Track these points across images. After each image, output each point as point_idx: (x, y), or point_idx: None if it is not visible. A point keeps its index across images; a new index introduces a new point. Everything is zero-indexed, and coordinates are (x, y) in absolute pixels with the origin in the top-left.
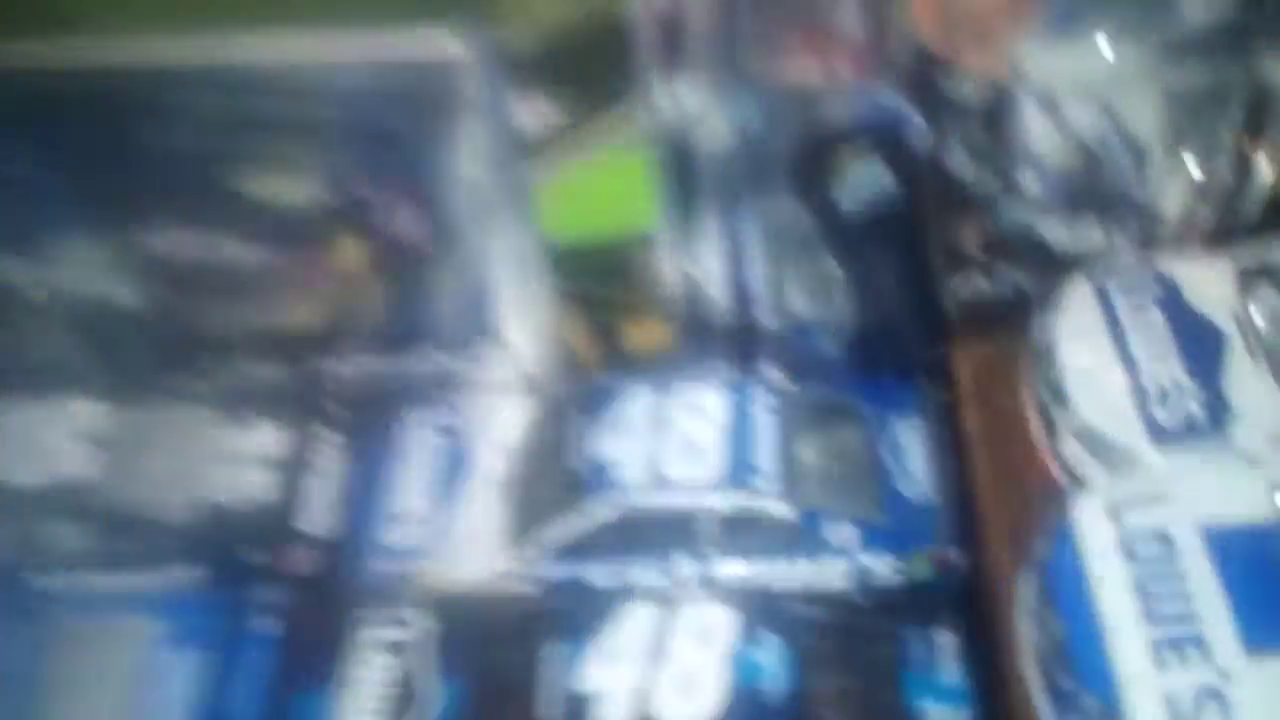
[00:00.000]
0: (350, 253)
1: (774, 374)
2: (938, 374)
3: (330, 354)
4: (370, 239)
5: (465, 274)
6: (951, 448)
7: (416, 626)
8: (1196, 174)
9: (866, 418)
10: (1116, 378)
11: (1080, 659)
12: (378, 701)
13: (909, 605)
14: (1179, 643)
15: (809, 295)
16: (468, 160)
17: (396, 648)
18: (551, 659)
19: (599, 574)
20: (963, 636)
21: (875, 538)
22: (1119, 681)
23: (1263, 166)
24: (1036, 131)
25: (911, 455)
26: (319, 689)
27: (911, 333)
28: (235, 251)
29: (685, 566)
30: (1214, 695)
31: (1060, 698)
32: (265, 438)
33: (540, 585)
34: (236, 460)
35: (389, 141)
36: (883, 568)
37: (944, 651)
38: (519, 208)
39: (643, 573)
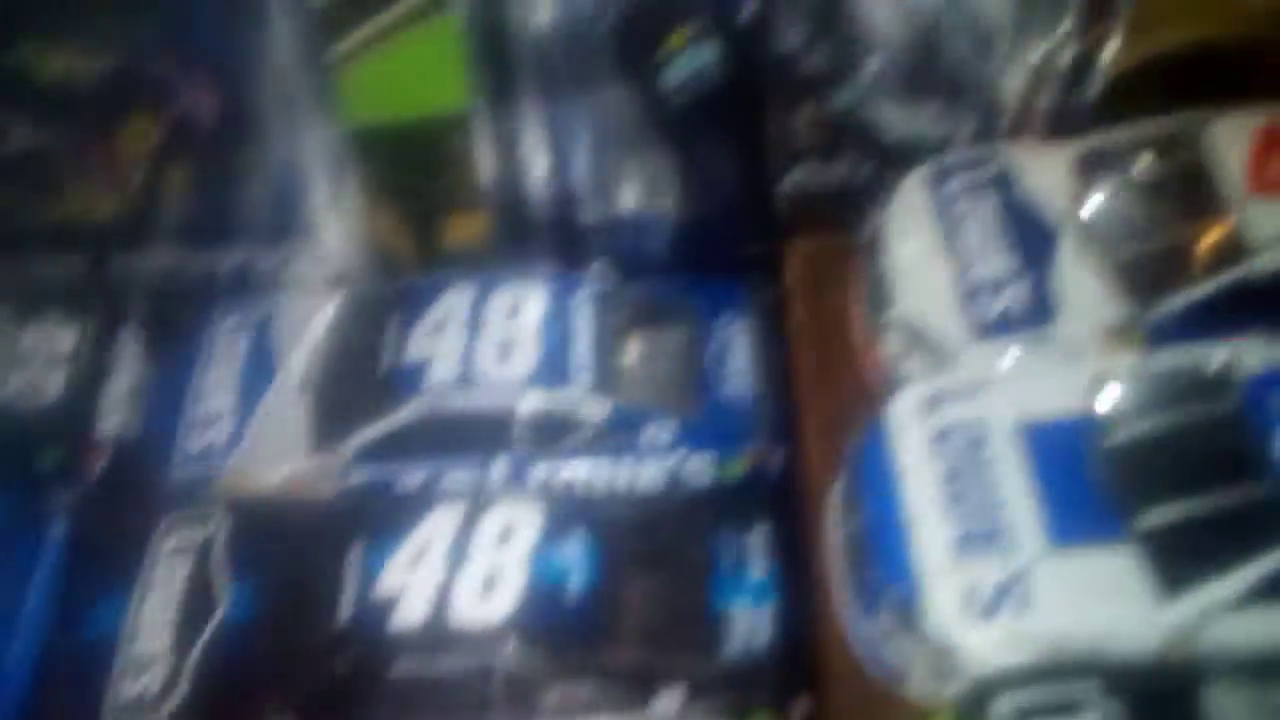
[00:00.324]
0: (143, 134)
1: (598, 271)
2: (767, 270)
3: (129, 248)
4: (164, 120)
5: (271, 164)
6: (776, 346)
7: (215, 528)
8: (1038, 60)
9: (692, 317)
10: (942, 272)
11: (883, 551)
12: (175, 604)
13: (722, 505)
14: (983, 535)
15: (636, 189)
16: (270, 39)
17: (195, 550)
18: (352, 561)
19: (406, 477)
20: (774, 534)
21: (692, 437)
22: (919, 573)
23: (1103, 54)
24: (877, 9)
25: (736, 355)
26: (116, 592)
27: (741, 227)
28: (24, 136)
29: (495, 468)
30: (1014, 590)
31: (864, 591)
32: (61, 336)
33: (345, 488)
34: (29, 359)
35: (185, 16)
36: (698, 467)
37: (754, 550)
38: (324, 91)
39: (452, 475)
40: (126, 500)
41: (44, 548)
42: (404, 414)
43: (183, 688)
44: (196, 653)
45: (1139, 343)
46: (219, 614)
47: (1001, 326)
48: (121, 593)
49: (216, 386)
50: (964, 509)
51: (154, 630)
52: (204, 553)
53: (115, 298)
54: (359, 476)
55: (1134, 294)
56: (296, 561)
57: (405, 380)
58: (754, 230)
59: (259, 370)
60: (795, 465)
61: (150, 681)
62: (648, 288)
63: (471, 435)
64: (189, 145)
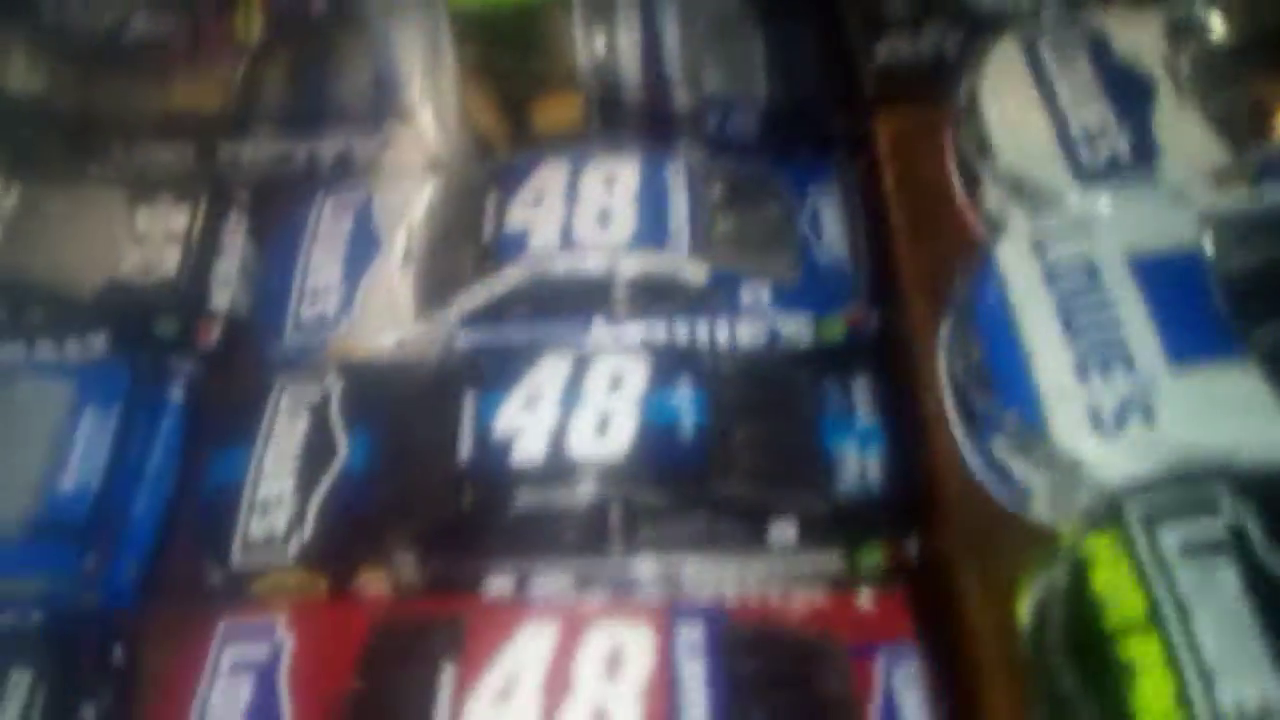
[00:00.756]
0: (252, 21)
1: (690, 149)
2: (858, 145)
3: (235, 136)
4: (270, 7)
5: (370, 51)
6: (869, 213)
7: (330, 386)
8: None
9: (784, 188)
10: (1041, 123)
11: (1001, 377)
12: (296, 453)
13: (823, 361)
14: (1104, 358)
15: (725, 71)
16: None
17: (312, 406)
18: (467, 408)
19: (510, 339)
20: (878, 385)
21: (790, 299)
22: (1040, 396)
23: None
24: None
25: (828, 223)
26: (237, 445)
27: (830, 105)
28: (142, 23)
29: (597, 328)
30: (1138, 405)
31: (979, 419)
32: (173, 218)
33: (453, 349)
34: (144, 239)
35: None
36: (796, 328)
37: (860, 400)
38: None
39: (555, 335)
40: (241, 367)
41: (165, 408)
42: (507, 278)
43: (309, 525)
44: (320, 495)
45: (1244, 183)
46: (339, 460)
47: (1106, 171)
48: (243, 445)
49: (323, 262)
50: (1082, 335)
51: (277, 476)
52: (321, 408)
53: (223, 184)
54: (464, 340)
55: (1235, 141)
56: (411, 412)
57: (507, 248)
58: (843, 108)
59: (363, 247)
60: (895, 321)
61: (276, 520)
62: (739, 163)
63: (573, 298)
64: (294, 31)
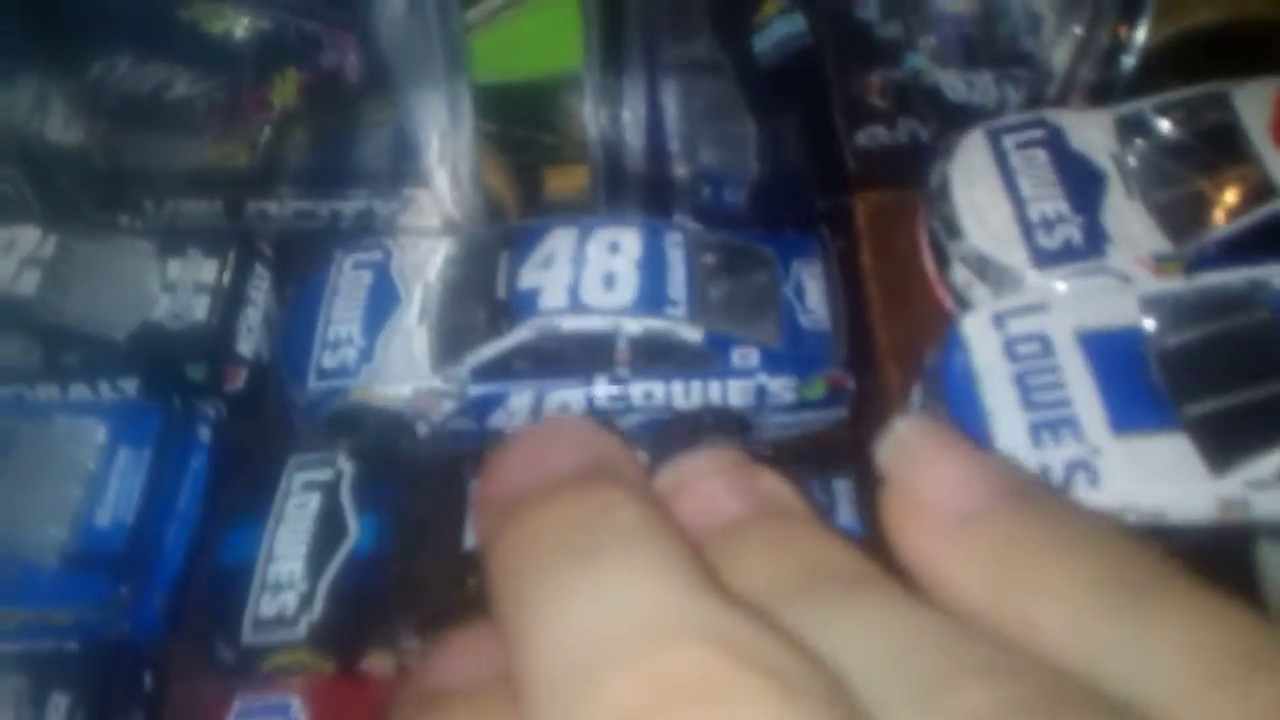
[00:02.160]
0: (291, 88)
1: (685, 221)
2: (838, 222)
3: (261, 194)
4: (309, 73)
5: (394, 116)
6: (848, 285)
7: (341, 468)
8: (1081, 36)
9: (771, 260)
10: (1004, 210)
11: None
12: (308, 534)
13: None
14: (1054, 424)
15: (719, 149)
16: (411, 4)
17: (324, 487)
18: (471, 494)
19: (517, 394)
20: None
21: (775, 362)
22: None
23: (1138, 34)
24: None
25: (811, 294)
26: (247, 524)
27: (815, 185)
28: (186, 86)
29: (599, 385)
30: (1084, 466)
31: None
32: (202, 269)
33: (463, 401)
34: (175, 287)
35: None
36: (781, 389)
37: (841, 498)
38: (452, 49)
39: (558, 391)
40: (266, 411)
41: (194, 447)
42: (519, 334)
43: (318, 606)
44: (329, 577)
45: (1180, 271)
46: (349, 542)
47: (1060, 255)
48: (254, 525)
49: (343, 314)
50: (1035, 404)
51: (288, 557)
52: (332, 489)
53: (249, 238)
54: (475, 391)
55: (1174, 231)
56: (419, 495)
57: (519, 306)
58: (826, 187)
59: (382, 301)
60: (871, 385)
61: (286, 600)
62: (730, 235)
63: (577, 355)
64: (331, 99)
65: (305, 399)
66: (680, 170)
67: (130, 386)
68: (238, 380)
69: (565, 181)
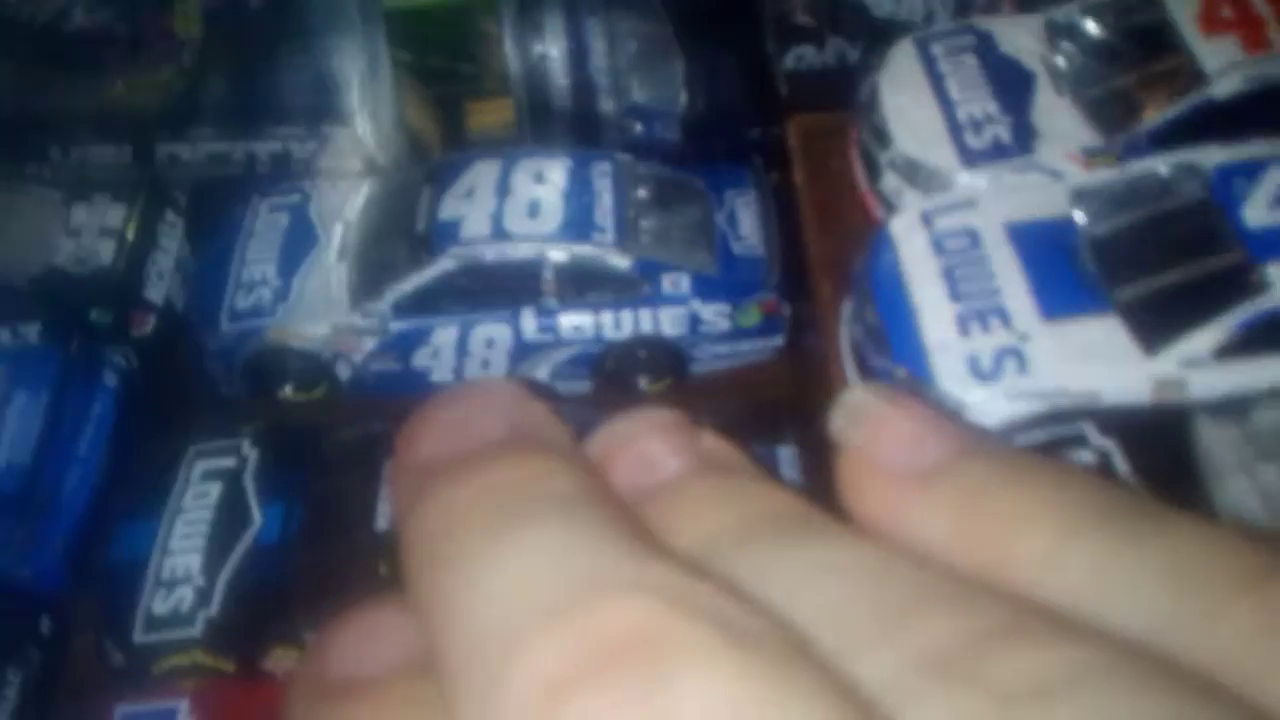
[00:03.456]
0: (191, 17)
1: (615, 153)
2: (771, 151)
3: (172, 137)
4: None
5: (309, 53)
6: (783, 212)
7: (245, 455)
8: None
9: (703, 189)
10: (932, 114)
11: (893, 337)
12: (207, 526)
13: None
14: (982, 314)
15: (649, 85)
16: None
17: (225, 475)
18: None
19: (440, 329)
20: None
21: (708, 288)
22: (927, 350)
23: None
24: None
25: (744, 222)
26: (142, 517)
27: (746, 114)
28: (83, 16)
29: (526, 318)
30: (1013, 353)
31: (874, 377)
32: (109, 214)
33: (385, 338)
34: (79, 233)
35: None
36: (715, 315)
37: (784, 466)
38: None
39: (484, 325)
40: (175, 355)
41: (98, 392)
42: (438, 267)
43: (216, 602)
44: (229, 570)
45: (1112, 164)
46: (252, 533)
47: (989, 154)
48: (149, 518)
49: (259, 256)
50: (964, 295)
51: (184, 550)
52: (235, 477)
53: (159, 183)
54: (397, 327)
55: (1105, 126)
56: (330, 482)
57: (439, 237)
58: (758, 116)
59: (299, 242)
60: (806, 307)
61: (182, 596)
62: (662, 168)
63: (503, 287)
64: (233, 29)
65: (218, 342)
66: (608, 105)
67: (32, 332)
68: (146, 326)
69: (489, 116)
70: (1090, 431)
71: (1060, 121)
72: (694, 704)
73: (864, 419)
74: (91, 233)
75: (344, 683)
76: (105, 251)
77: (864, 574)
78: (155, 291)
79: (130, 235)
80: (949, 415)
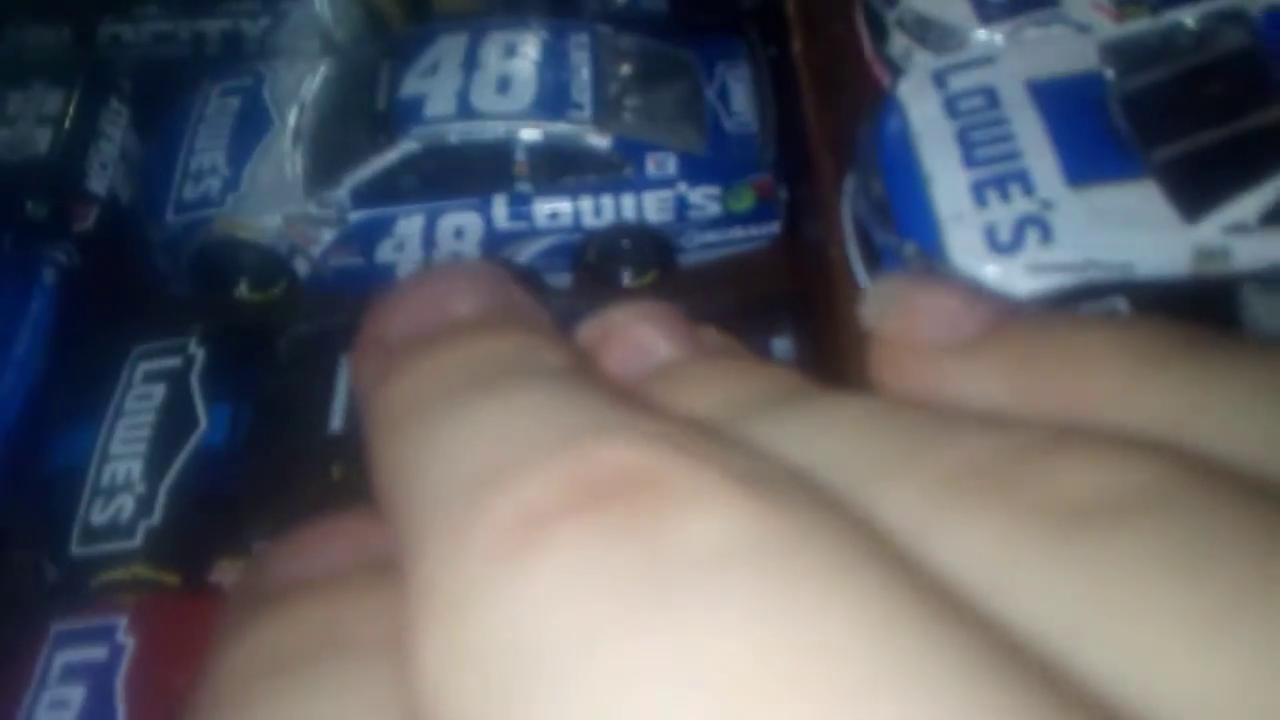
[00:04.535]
0: None
1: (594, 24)
2: (767, 16)
3: (115, 17)
4: None
5: None
6: (778, 83)
7: (191, 354)
8: None
9: (692, 65)
10: None
11: (901, 210)
12: (148, 430)
13: None
14: (1001, 180)
15: None
16: None
17: (170, 376)
18: (342, 373)
19: (404, 218)
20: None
21: (697, 168)
22: (939, 222)
23: None
24: None
25: (737, 97)
26: (79, 424)
27: None
28: None
29: (497, 206)
30: (1035, 222)
31: (880, 254)
32: (46, 100)
33: (344, 229)
34: (14, 121)
35: None
36: (704, 199)
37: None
38: None
39: (452, 215)
40: (119, 250)
41: (35, 289)
42: (399, 150)
43: (158, 510)
44: (172, 476)
45: (1145, 13)
46: (197, 436)
47: (1009, 8)
48: (88, 424)
49: (208, 143)
50: (980, 160)
51: (125, 456)
52: (180, 377)
53: (102, 67)
54: (357, 217)
55: None
56: (281, 381)
57: (399, 118)
58: None
59: (251, 127)
60: (805, 186)
61: (122, 505)
62: (647, 39)
63: (471, 171)
64: None
65: (163, 235)
66: None
67: None
68: (87, 219)
69: None
70: (1124, 308)
71: None
72: (700, 541)
73: (898, 300)
74: (27, 120)
75: (289, 585)
76: (41, 140)
77: (881, 417)
78: (98, 183)
79: (69, 123)
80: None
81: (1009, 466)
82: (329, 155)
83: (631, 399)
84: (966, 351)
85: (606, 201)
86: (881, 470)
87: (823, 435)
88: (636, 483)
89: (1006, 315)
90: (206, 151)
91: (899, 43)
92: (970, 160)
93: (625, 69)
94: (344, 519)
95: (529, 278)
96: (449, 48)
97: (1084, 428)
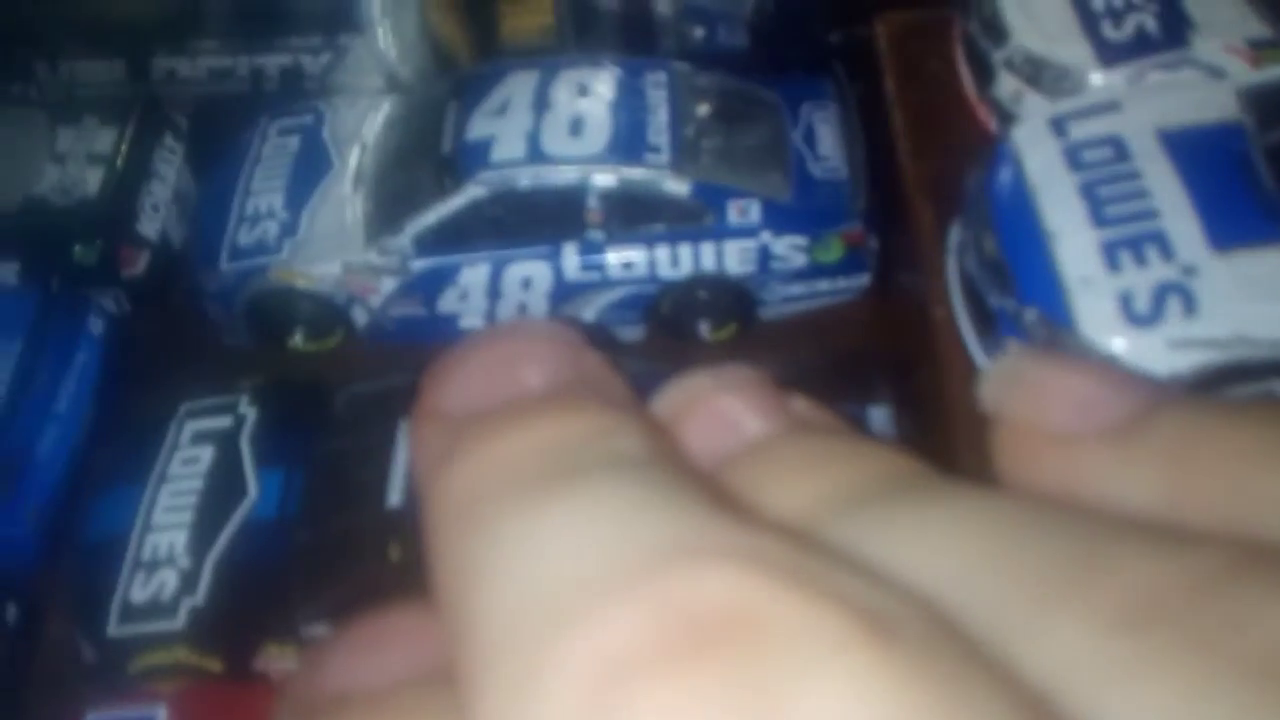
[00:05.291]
0: None
1: (672, 61)
2: (857, 57)
3: (171, 52)
4: None
5: None
6: (871, 127)
7: (243, 413)
8: None
9: (776, 105)
10: (1060, 1)
11: (1019, 271)
12: (196, 497)
13: None
14: (1135, 242)
15: None
16: None
17: (220, 437)
18: (401, 440)
19: (469, 267)
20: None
21: (781, 217)
22: (1065, 287)
23: None
24: None
25: (824, 140)
26: (121, 487)
27: (825, 14)
28: None
29: (567, 254)
30: (1177, 290)
31: (994, 319)
32: (98, 138)
33: (406, 278)
34: (64, 158)
35: None
36: (789, 250)
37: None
38: None
39: (520, 263)
40: (171, 298)
41: (81, 340)
42: (465, 195)
43: (203, 588)
44: (219, 549)
45: None
46: (246, 506)
47: (1132, 48)
48: (131, 487)
49: (265, 186)
50: (1110, 219)
51: (170, 525)
52: (230, 439)
53: (156, 103)
54: (419, 265)
55: (1274, 10)
56: (337, 446)
57: (465, 161)
58: (838, 16)
59: (310, 168)
60: (900, 232)
61: (164, 581)
62: (728, 78)
63: (540, 218)
64: None
65: (217, 283)
66: (663, 6)
67: (10, 272)
68: (137, 265)
69: (525, 20)
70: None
71: (1219, 7)
72: (822, 713)
73: (1025, 381)
74: (77, 159)
75: (339, 697)
76: (92, 180)
77: (1020, 521)
78: (149, 226)
79: (121, 162)
80: (1123, 371)
81: (1198, 601)
82: (391, 200)
83: (725, 498)
84: (1111, 443)
85: (684, 251)
86: (1036, 601)
87: (950, 541)
88: (739, 623)
89: (1154, 401)
90: (263, 194)
91: (1008, 84)
92: (1099, 218)
93: (705, 109)
94: (400, 616)
95: (599, 336)
96: (519, 86)
97: (1262, 542)
